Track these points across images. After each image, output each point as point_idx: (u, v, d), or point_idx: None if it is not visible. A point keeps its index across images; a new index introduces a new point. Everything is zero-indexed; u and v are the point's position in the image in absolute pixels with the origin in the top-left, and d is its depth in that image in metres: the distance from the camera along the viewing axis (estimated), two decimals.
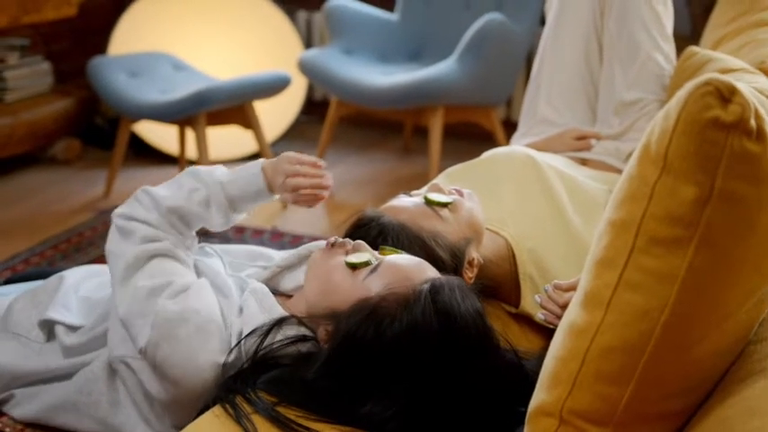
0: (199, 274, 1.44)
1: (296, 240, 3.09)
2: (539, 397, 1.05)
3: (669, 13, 2.20)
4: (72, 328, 1.49)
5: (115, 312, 1.39)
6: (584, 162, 2.14)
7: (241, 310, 1.36)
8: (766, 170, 0.88)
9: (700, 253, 0.89)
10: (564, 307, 1.40)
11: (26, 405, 1.51)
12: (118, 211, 1.45)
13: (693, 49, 2.09)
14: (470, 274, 1.50)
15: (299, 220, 3.31)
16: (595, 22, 2.23)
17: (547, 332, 1.52)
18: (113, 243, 1.42)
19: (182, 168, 3.74)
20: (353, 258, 1.32)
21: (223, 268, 1.50)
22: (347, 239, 1.38)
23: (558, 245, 1.67)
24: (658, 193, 0.91)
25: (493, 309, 1.60)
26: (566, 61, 2.27)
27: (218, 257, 1.54)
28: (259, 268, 1.52)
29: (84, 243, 3.05)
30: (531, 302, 1.56)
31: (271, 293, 1.40)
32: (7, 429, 1.53)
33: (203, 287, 1.36)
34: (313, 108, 4.49)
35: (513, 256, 1.61)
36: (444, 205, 1.49)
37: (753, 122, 0.87)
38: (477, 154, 2.02)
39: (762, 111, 0.89)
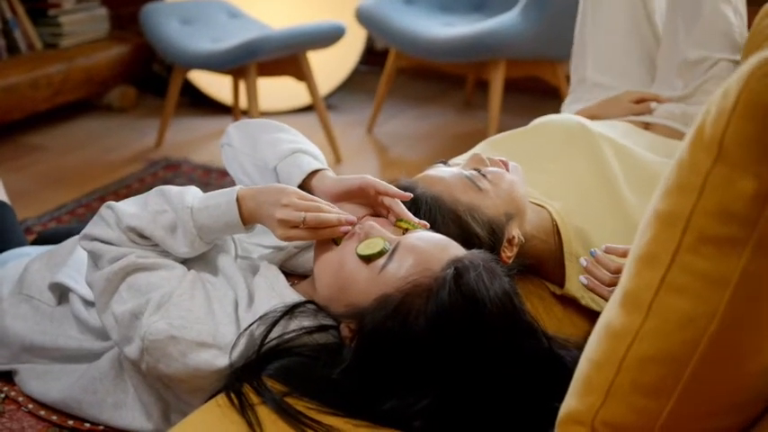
0: (192, 264, 1.33)
1: None
2: (570, 403, 0.95)
3: None
4: (88, 302, 1.42)
5: None
6: (646, 126, 1.98)
7: (251, 298, 1.27)
8: None
9: (757, 256, 0.77)
10: (617, 273, 1.28)
11: (32, 383, 1.46)
12: (83, 231, 1.33)
13: None
14: (509, 254, 1.38)
15: None
16: None
17: (593, 316, 1.40)
18: (88, 272, 1.31)
19: (236, 119, 3.69)
20: (365, 249, 1.19)
21: (233, 255, 1.39)
22: (356, 227, 1.24)
23: (609, 224, 1.53)
24: (711, 185, 0.78)
25: (536, 288, 1.49)
26: (609, 20, 2.12)
27: (231, 241, 1.43)
28: (274, 250, 1.42)
29: (131, 195, 2.98)
30: (576, 284, 1.44)
31: (282, 276, 1.30)
32: (21, 398, 1.49)
33: (186, 290, 1.25)
34: (374, 58, 4.36)
35: (559, 232, 1.48)
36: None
37: None
38: (541, 110, 1.88)
39: None
